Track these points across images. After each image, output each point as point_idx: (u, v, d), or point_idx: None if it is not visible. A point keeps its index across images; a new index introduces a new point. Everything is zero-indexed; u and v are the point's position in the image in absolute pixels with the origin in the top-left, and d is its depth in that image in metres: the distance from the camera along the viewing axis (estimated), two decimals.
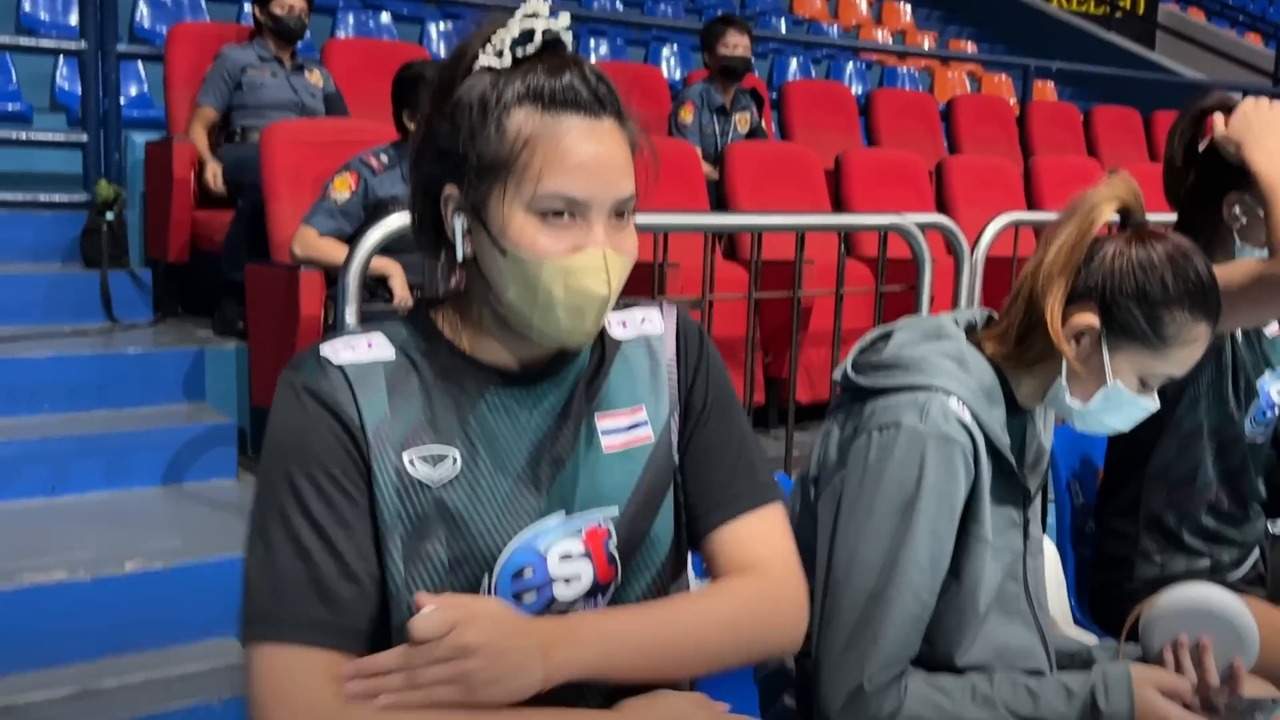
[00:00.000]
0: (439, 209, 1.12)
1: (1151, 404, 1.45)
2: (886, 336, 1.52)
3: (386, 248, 2.39)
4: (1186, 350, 1.42)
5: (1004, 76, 8.69)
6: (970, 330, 1.52)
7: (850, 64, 8.06)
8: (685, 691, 1.18)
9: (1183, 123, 1.95)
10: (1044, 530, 1.58)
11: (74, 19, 4.92)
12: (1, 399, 3.17)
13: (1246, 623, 1.52)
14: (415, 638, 1.02)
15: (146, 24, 5.83)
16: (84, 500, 3.02)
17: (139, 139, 4.33)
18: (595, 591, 1.16)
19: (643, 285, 2.76)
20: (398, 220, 2.35)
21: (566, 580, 1.14)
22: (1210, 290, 1.41)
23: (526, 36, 1.08)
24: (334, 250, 3.10)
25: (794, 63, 7.72)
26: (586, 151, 1.07)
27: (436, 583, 1.10)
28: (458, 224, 1.10)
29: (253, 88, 4.14)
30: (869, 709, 1.34)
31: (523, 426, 1.15)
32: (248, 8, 4.58)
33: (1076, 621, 2.04)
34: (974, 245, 3.14)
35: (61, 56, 5.18)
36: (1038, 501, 1.54)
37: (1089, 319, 1.41)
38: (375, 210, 3.11)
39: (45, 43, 4.71)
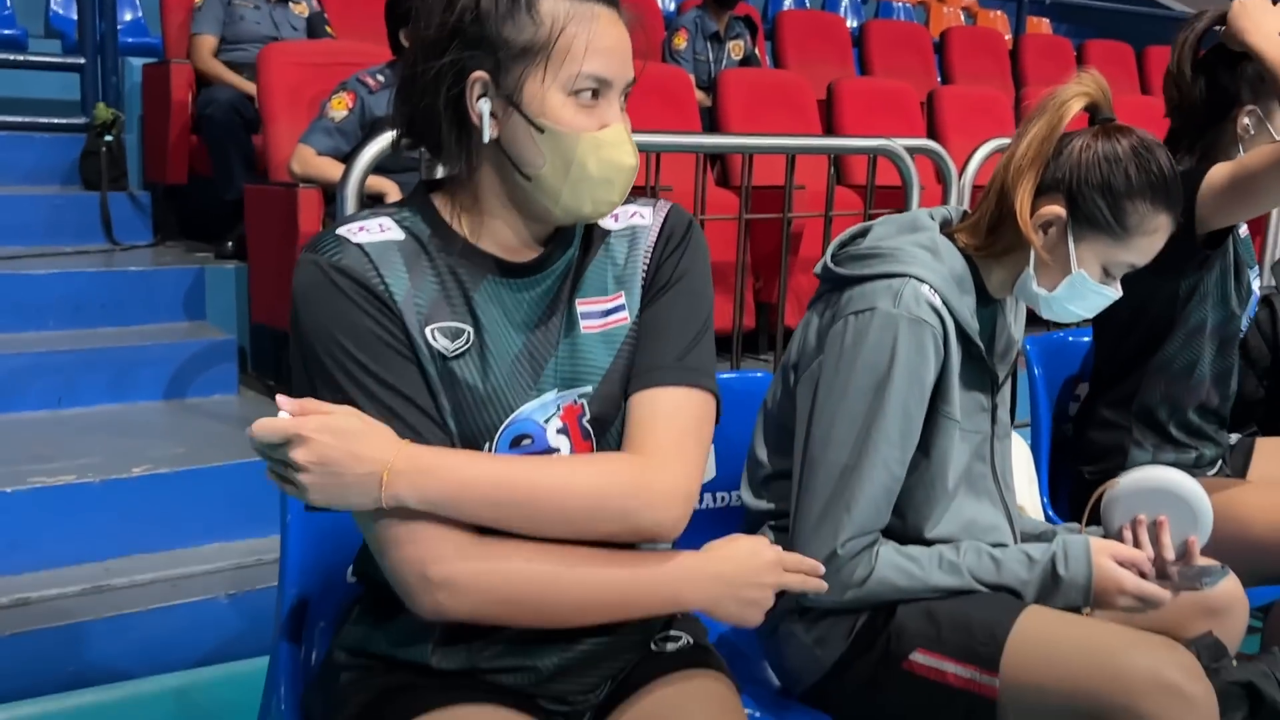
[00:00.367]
0: (457, 96, 1.16)
1: (1113, 292, 1.53)
2: (865, 231, 1.59)
3: (381, 167, 2.45)
4: (1147, 240, 1.49)
5: (999, 12, 8.67)
6: (945, 224, 1.59)
7: None
8: (757, 540, 1.25)
9: (1188, 33, 2.03)
10: (1012, 419, 1.66)
11: None
12: (7, 314, 3.24)
13: (1202, 503, 1.61)
14: (252, 438, 1.07)
15: None
16: (90, 412, 3.09)
17: (135, 63, 4.35)
18: None
19: None
20: (392, 136, 2.41)
21: (557, 450, 1.21)
22: (1172, 183, 1.48)
23: None
24: (331, 169, 3.16)
25: None
26: (614, 36, 1.16)
27: (456, 444, 1.18)
28: (484, 107, 1.16)
29: (233, 20, 4.15)
30: (842, 574, 1.44)
31: (520, 311, 1.22)
32: None
33: (1048, 518, 2.14)
34: (961, 171, 3.20)
35: None
36: (1006, 389, 1.62)
37: (1056, 209, 1.49)
38: (372, 129, 3.16)
39: None
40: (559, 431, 1.22)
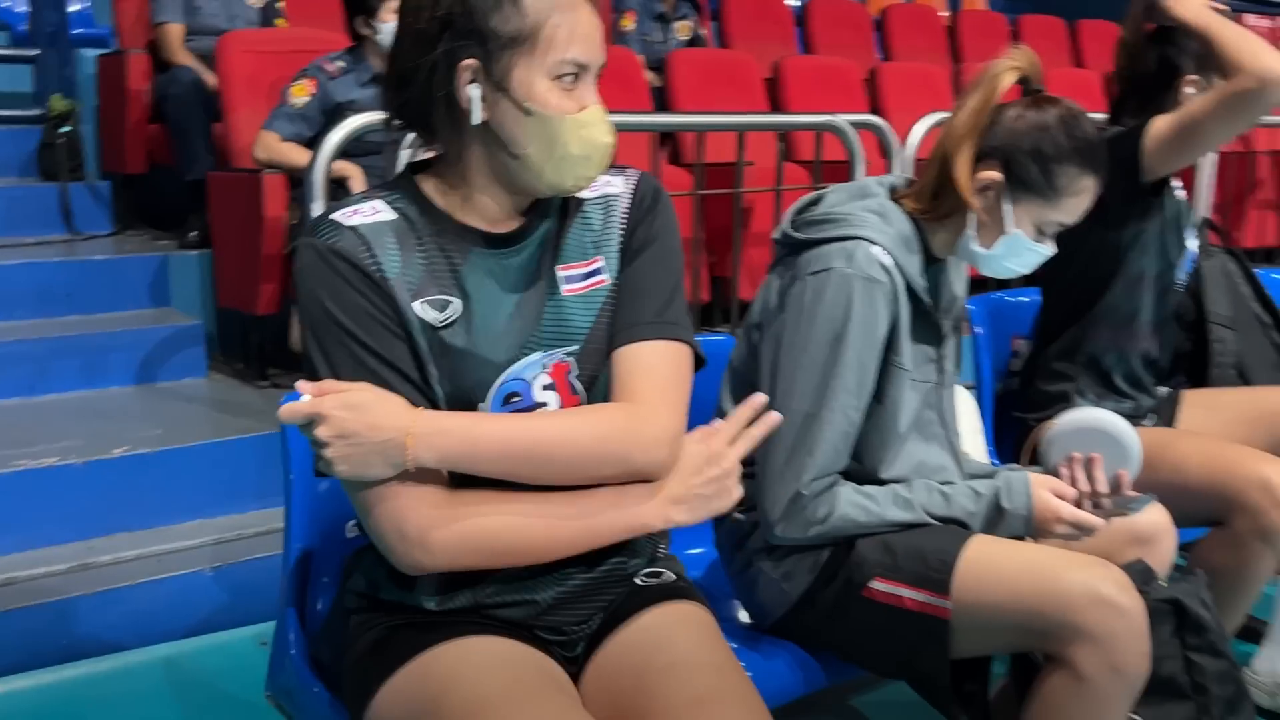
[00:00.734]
0: (447, 83, 1.26)
1: (1047, 249, 1.67)
2: (819, 199, 1.72)
3: (345, 151, 2.54)
4: (1075, 200, 1.63)
5: None
6: (892, 191, 1.72)
7: None
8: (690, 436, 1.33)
9: (1139, 5, 2.22)
10: (958, 369, 1.80)
11: None
12: None
13: (1131, 440, 1.76)
14: (281, 419, 1.19)
15: None
16: (64, 399, 3.16)
17: (88, 54, 4.37)
18: None
19: None
20: (359, 121, 2.50)
21: (545, 405, 1.33)
22: (1097, 147, 1.62)
23: None
24: (295, 154, 3.23)
25: None
26: (591, 23, 1.27)
27: (447, 404, 1.29)
28: (474, 93, 1.26)
29: (190, 11, 4.17)
30: (806, 511, 1.57)
31: (504, 279, 1.33)
32: None
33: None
34: (904, 143, 3.33)
35: None
36: (951, 342, 1.76)
37: (993, 174, 1.62)
38: (333, 114, 3.23)
39: None
40: (544, 388, 1.33)
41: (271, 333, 3.45)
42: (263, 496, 2.83)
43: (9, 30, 5.18)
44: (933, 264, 1.70)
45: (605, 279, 1.37)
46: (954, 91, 5.68)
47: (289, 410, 1.19)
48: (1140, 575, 1.65)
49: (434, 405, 1.28)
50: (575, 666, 1.38)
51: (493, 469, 1.25)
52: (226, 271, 3.52)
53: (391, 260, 1.28)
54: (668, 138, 4.46)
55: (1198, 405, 2.33)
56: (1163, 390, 2.35)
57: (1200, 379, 2.48)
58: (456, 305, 1.30)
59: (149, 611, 2.48)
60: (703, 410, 1.85)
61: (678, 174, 4.02)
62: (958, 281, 1.78)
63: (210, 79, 3.84)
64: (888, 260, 1.59)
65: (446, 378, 1.29)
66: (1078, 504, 1.63)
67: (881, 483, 1.64)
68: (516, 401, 1.32)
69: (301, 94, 3.32)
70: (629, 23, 5.06)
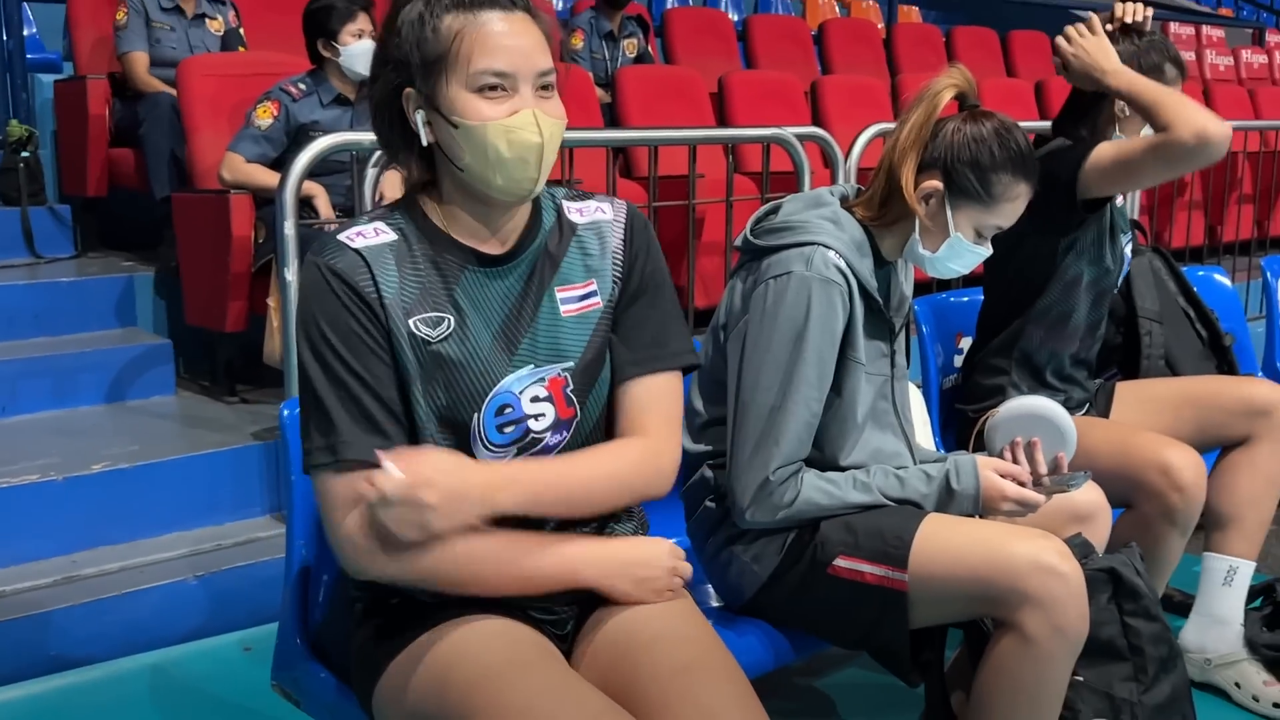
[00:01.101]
0: (402, 113, 1.39)
1: (985, 250, 1.82)
2: (776, 209, 1.85)
3: (311, 171, 2.64)
4: (1010, 205, 1.78)
5: (871, 2, 9.07)
6: (844, 199, 1.86)
7: None
8: (658, 538, 1.51)
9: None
10: (908, 363, 1.94)
11: None
12: None
13: (1068, 425, 1.91)
14: (382, 497, 1.26)
15: None
16: (37, 418, 3.21)
17: (44, 79, 4.42)
18: (560, 426, 1.46)
19: None
20: (325, 142, 2.61)
21: (536, 417, 1.44)
22: (1028, 157, 1.77)
23: None
24: (261, 175, 3.32)
25: None
26: (504, 34, 1.34)
27: (440, 416, 1.40)
28: (419, 117, 1.38)
29: (152, 42, 4.21)
30: (773, 497, 1.70)
31: (496, 297, 1.44)
32: None
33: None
34: (847, 154, 3.49)
35: None
36: (901, 338, 1.90)
37: (935, 183, 1.77)
38: (297, 135, 3.33)
39: None
40: (534, 400, 1.44)
41: (240, 349, 3.53)
42: (240, 508, 2.92)
43: None
44: (883, 266, 1.84)
45: (598, 301, 1.49)
46: (892, 101, 5.87)
47: (395, 486, 1.25)
48: (1079, 549, 1.79)
49: (409, 423, 1.39)
50: (565, 644, 1.49)
51: (552, 511, 1.42)
52: (194, 290, 3.57)
53: (389, 280, 1.39)
54: (619, 152, 4.59)
55: (1129, 396, 2.47)
56: (1095, 383, 2.51)
57: (1133, 371, 2.63)
58: (450, 321, 1.40)
59: (135, 621, 2.55)
60: None
61: (631, 187, 4.15)
62: (906, 282, 1.92)
63: None
64: (842, 263, 1.72)
65: (441, 390, 1.40)
66: (1021, 483, 1.78)
67: (842, 469, 1.77)
68: (509, 413, 1.42)
69: (266, 116, 3.40)
70: (578, 41, 5.20)
